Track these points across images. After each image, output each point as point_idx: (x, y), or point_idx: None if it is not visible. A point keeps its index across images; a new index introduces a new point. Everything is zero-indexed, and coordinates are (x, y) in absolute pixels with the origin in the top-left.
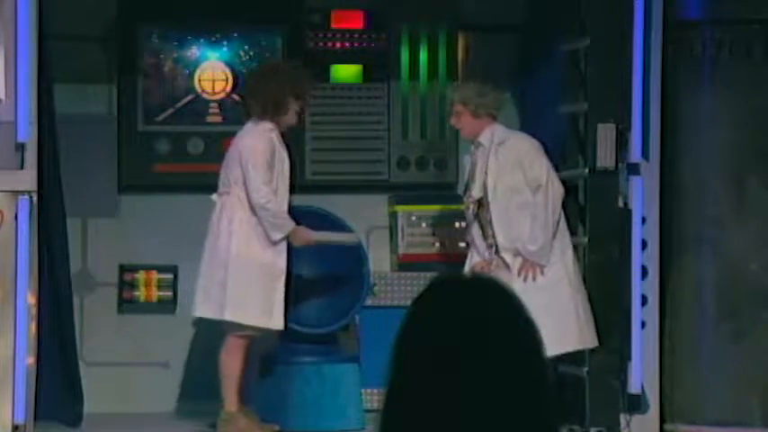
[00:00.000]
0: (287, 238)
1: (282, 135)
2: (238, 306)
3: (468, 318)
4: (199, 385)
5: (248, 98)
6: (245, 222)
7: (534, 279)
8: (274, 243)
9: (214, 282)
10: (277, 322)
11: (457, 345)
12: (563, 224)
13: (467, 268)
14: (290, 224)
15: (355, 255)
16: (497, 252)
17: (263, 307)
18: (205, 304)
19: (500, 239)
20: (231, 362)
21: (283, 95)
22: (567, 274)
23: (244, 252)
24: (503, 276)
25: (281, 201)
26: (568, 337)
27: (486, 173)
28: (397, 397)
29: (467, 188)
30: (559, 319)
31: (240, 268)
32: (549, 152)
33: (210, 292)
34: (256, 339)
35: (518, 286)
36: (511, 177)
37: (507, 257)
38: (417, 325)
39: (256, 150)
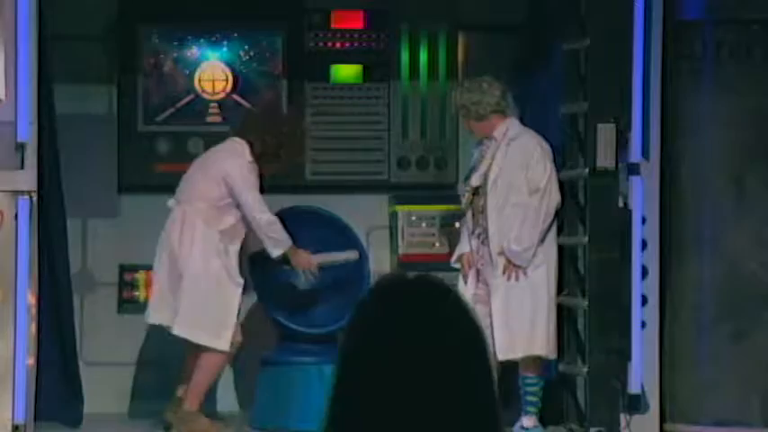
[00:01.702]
0: (286, 257)
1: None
2: (189, 323)
3: (410, 318)
4: None
5: (246, 133)
6: (208, 239)
7: (516, 280)
8: (237, 262)
9: (170, 291)
10: (224, 344)
11: (399, 345)
12: (554, 231)
13: (455, 257)
14: (289, 241)
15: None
16: (484, 242)
17: (213, 328)
18: (159, 312)
19: (492, 231)
20: (210, 365)
21: (275, 148)
22: (549, 281)
23: (202, 270)
24: (488, 272)
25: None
26: (537, 342)
27: (490, 165)
28: (341, 398)
29: (468, 176)
30: (533, 322)
31: (196, 285)
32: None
33: (165, 301)
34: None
35: (500, 282)
36: (514, 175)
37: (494, 250)
38: (361, 325)
39: (245, 174)
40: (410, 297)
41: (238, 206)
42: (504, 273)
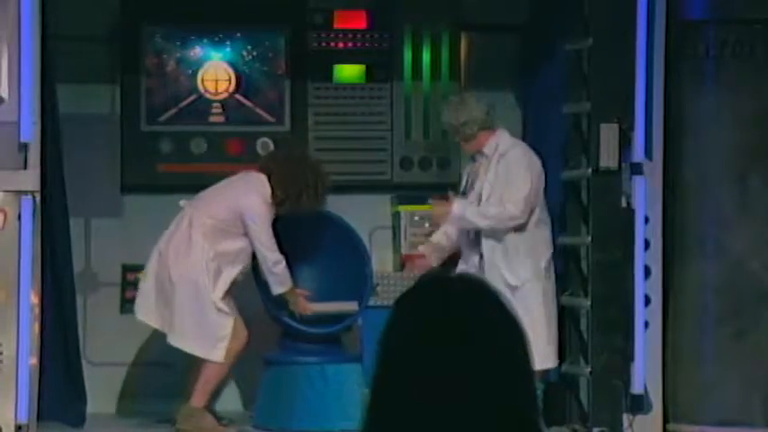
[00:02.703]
0: (284, 298)
1: None
2: (183, 335)
3: (452, 318)
4: None
5: (274, 175)
6: (203, 254)
7: (436, 215)
8: (232, 283)
9: (155, 291)
10: (218, 356)
11: (440, 345)
12: (541, 244)
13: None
14: (290, 283)
15: (358, 255)
16: (482, 258)
17: (207, 340)
18: (143, 309)
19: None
20: (217, 369)
21: (296, 197)
22: (543, 294)
23: (193, 283)
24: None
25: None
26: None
27: (483, 183)
28: (381, 397)
29: (464, 194)
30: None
31: (188, 298)
32: (550, 152)
33: (148, 299)
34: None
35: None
36: (501, 189)
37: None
38: (401, 325)
39: (263, 215)
40: (451, 297)
41: (245, 236)
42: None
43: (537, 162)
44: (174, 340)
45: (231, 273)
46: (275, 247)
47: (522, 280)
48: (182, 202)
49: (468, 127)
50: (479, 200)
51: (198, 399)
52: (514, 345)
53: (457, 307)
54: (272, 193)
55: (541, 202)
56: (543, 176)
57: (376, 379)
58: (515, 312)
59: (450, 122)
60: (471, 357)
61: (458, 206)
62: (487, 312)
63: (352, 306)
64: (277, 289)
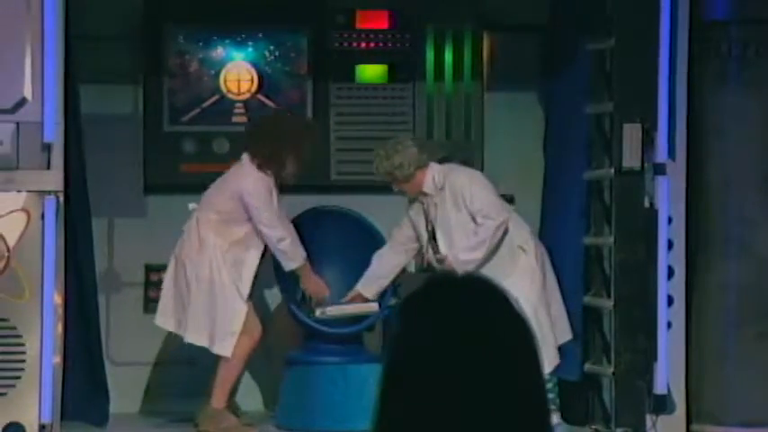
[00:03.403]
0: (297, 275)
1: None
2: (196, 329)
3: (462, 317)
4: None
5: (250, 144)
6: (216, 249)
7: None
8: (251, 274)
9: (173, 297)
10: (226, 350)
11: (451, 345)
12: (523, 243)
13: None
14: (302, 259)
15: None
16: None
17: (218, 334)
18: (162, 316)
19: (441, 246)
20: (231, 367)
21: (283, 155)
22: (529, 291)
23: (208, 278)
24: None
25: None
26: None
27: (434, 225)
28: (390, 397)
29: (429, 241)
30: None
31: (201, 293)
32: (573, 152)
33: (167, 305)
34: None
35: None
36: (457, 217)
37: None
38: (410, 324)
39: (260, 193)
40: (459, 296)
41: (250, 219)
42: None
43: (476, 172)
44: (188, 335)
45: (252, 258)
46: (277, 223)
47: (519, 288)
48: (191, 206)
49: (405, 168)
50: (433, 237)
51: (217, 399)
52: (522, 344)
53: (465, 307)
54: (253, 160)
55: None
56: (490, 183)
57: (385, 379)
58: (523, 312)
59: (384, 170)
60: (479, 357)
61: (454, 261)
62: (495, 312)
63: (372, 307)
64: (288, 265)
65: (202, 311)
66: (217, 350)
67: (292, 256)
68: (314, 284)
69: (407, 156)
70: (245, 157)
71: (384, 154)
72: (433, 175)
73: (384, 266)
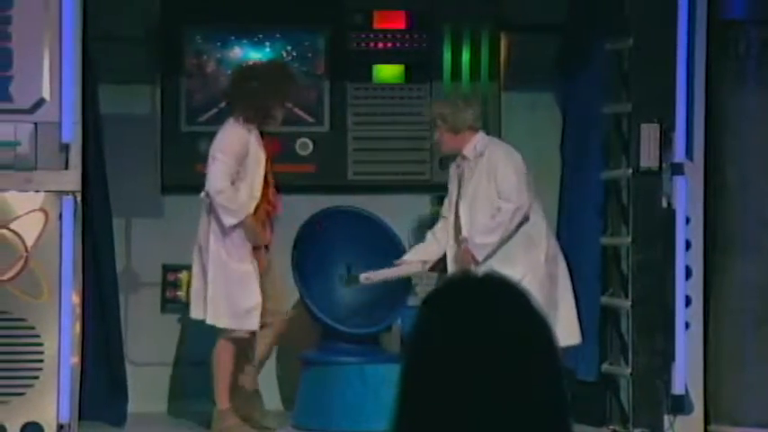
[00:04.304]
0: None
1: (262, 135)
2: (213, 310)
3: (480, 317)
4: None
5: (231, 100)
6: (217, 224)
7: (468, 266)
8: (242, 246)
9: (201, 286)
10: (250, 324)
11: (469, 345)
12: (537, 236)
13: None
14: (242, 214)
15: (397, 255)
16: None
17: (234, 310)
18: (196, 308)
19: (463, 222)
20: (220, 362)
21: (265, 100)
22: (537, 292)
23: (218, 256)
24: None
25: (250, 199)
26: None
27: (475, 186)
28: (409, 397)
29: (456, 199)
30: None
31: (217, 273)
32: (591, 152)
33: (199, 295)
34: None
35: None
36: (487, 188)
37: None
38: (429, 323)
39: (226, 144)
40: (478, 296)
41: (239, 180)
42: (455, 261)
43: (516, 154)
44: (209, 317)
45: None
46: (223, 176)
47: (518, 276)
48: (202, 194)
49: (460, 121)
50: (471, 204)
51: (220, 400)
52: (543, 344)
53: (483, 307)
54: (233, 112)
55: (532, 193)
56: (525, 169)
57: (403, 379)
58: (542, 309)
59: (440, 111)
60: (498, 357)
61: (471, 246)
62: (514, 311)
63: (415, 268)
64: (226, 220)
65: (220, 292)
66: (242, 327)
67: (231, 211)
68: (261, 237)
69: (469, 111)
70: (229, 119)
71: (441, 101)
72: (477, 142)
73: (435, 242)
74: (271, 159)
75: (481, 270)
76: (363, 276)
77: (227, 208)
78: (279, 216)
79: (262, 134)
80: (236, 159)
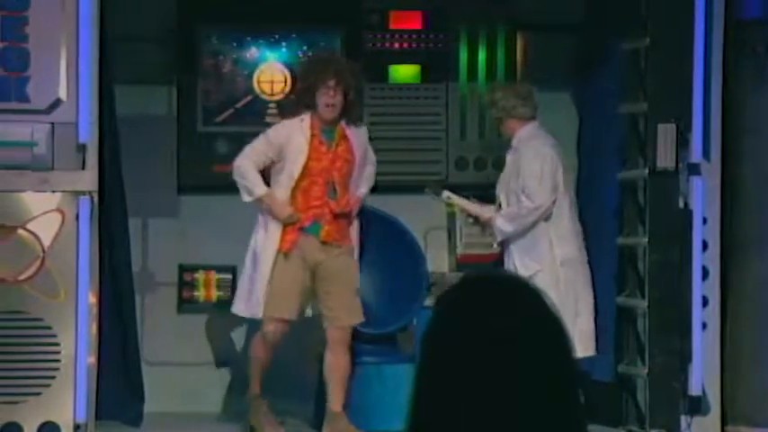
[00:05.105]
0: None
1: (325, 122)
2: (236, 300)
3: (495, 316)
4: None
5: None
6: (259, 218)
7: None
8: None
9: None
10: (253, 310)
11: (483, 344)
12: (557, 237)
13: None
14: (259, 191)
15: (413, 255)
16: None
17: (243, 296)
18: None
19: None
20: (254, 351)
21: (298, 89)
22: (553, 288)
23: (252, 250)
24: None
25: (288, 182)
26: None
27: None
28: (423, 396)
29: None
30: None
31: (248, 265)
32: (607, 152)
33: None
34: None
35: None
36: (515, 182)
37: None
38: (444, 322)
39: (269, 132)
40: (493, 295)
41: (279, 173)
42: (474, 223)
43: (548, 151)
44: (233, 307)
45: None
46: (245, 154)
47: (533, 270)
48: None
49: (496, 109)
50: (505, 191)
51: (251, 385)
52: (556, 344)
53: (498, 306)
54: (294, 111)
55: (561, 193)
56: (556, 167)
57: (418, 378)
58: (556, 308)
59: (491, 96)
60: (512, 357)
61: (493, 225)
62: (529, 311)
63: (488, 212)
64: (242, 197)
65: (245, 281)
66: (255, 315)
67: (247, 188)
68: (279, 211)
69: (517, 101)
70: None
71: (496, 88)
72: (521, 134)
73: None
74: (344, 156)
75: (494, 270)
76: (446, 195)
77: (238, 183)
78: (350, 213)
79: (339, 126)
80: (267, 143)
